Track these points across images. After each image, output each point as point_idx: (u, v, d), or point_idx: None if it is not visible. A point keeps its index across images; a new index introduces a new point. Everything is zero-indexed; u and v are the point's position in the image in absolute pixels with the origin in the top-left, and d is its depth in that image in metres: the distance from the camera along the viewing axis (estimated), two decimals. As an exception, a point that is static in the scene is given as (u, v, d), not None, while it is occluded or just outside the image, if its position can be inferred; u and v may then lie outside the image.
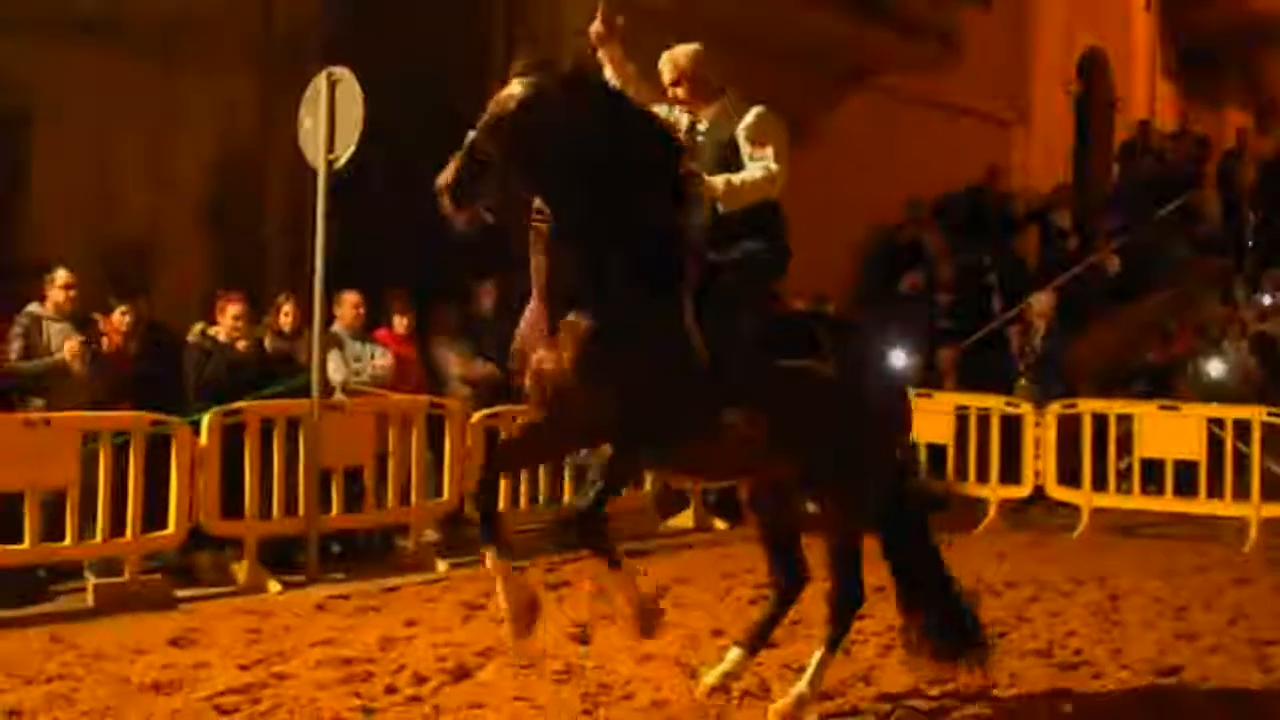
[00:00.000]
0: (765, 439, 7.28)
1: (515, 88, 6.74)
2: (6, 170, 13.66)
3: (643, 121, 7.17)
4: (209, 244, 14.95)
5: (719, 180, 7.35)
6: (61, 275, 11.45)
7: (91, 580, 10.67)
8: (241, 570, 11.28)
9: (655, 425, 6.95)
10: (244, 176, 15.18)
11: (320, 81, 12.01)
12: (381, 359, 12.98)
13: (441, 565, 12.06)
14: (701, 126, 7.62)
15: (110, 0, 13.63)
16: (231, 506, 11.27)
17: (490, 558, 7.08)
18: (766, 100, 7.65)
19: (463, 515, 12.49)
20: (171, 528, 10.92)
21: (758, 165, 7.41)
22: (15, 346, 11.21)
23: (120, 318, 12.00)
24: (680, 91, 7.65)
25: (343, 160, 11.86)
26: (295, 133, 12.18)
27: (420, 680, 8.38)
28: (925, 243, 20.91)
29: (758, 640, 8.19)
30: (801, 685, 7.81)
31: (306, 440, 11.59)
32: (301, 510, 11.61)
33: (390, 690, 8.24)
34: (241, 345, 12.16)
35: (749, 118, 7.51)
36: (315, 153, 11.95)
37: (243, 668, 8.67)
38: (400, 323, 13.54)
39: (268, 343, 12.58)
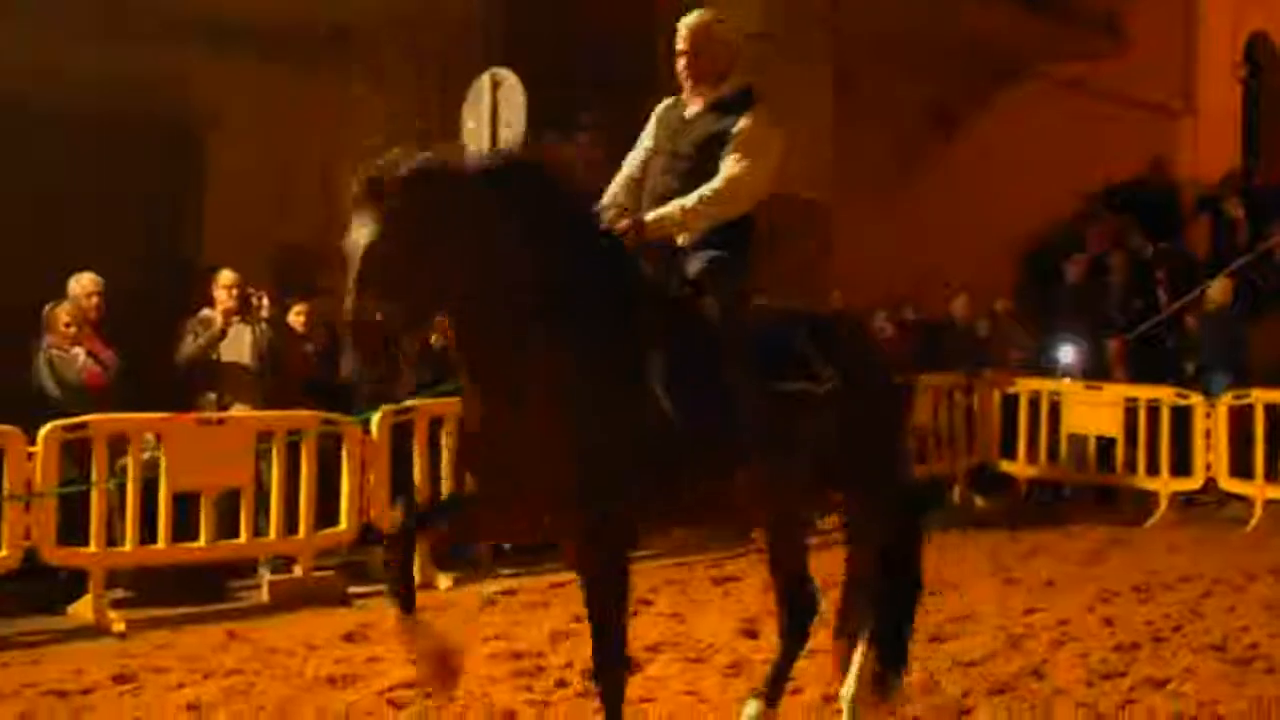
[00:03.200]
0: (770, 480, 6.65)
1: (359, 225, 5.93)
2: (183, 177, 13.95)
3: (527, 186, 6.25)
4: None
5: (672, 209, 6.55)
6: (226, 276, 11.65)
7: (266, 577, 10.86)
8: (418, 564, 11.36)
9: (621, 500, 6.22)
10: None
11: (483, 83, 12.12)
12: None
13: (609, 561, 12.04)
14: (690, 112, 6.85)
15: (281, 12, 13.84)
16: (404, 503, 11.39)
17: (396, 618, 6.56)
18: (766, 98, 6.87)
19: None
20: (344, 525, 11.09)
21: (727, 175, 6.60)
22: (187, 341, 11.43)
23: (296, 318, 12.20)
24: (681, 64, 6.87)
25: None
26: (459, 134, 12.29)
27: (590, 675, 8.42)
28: (1092, 235, 20.63)
29: (775, 688, 7.36)
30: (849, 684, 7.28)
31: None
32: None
33: (561, 684, 8.30)
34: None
35: (742, 121, 6.69)
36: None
37: (414, 663, 8.75)
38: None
39: (435, 341, 12.69)
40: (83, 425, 9.92)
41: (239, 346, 11.60)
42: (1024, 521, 14.48)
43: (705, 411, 6.27)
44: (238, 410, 11.18)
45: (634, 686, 8.12)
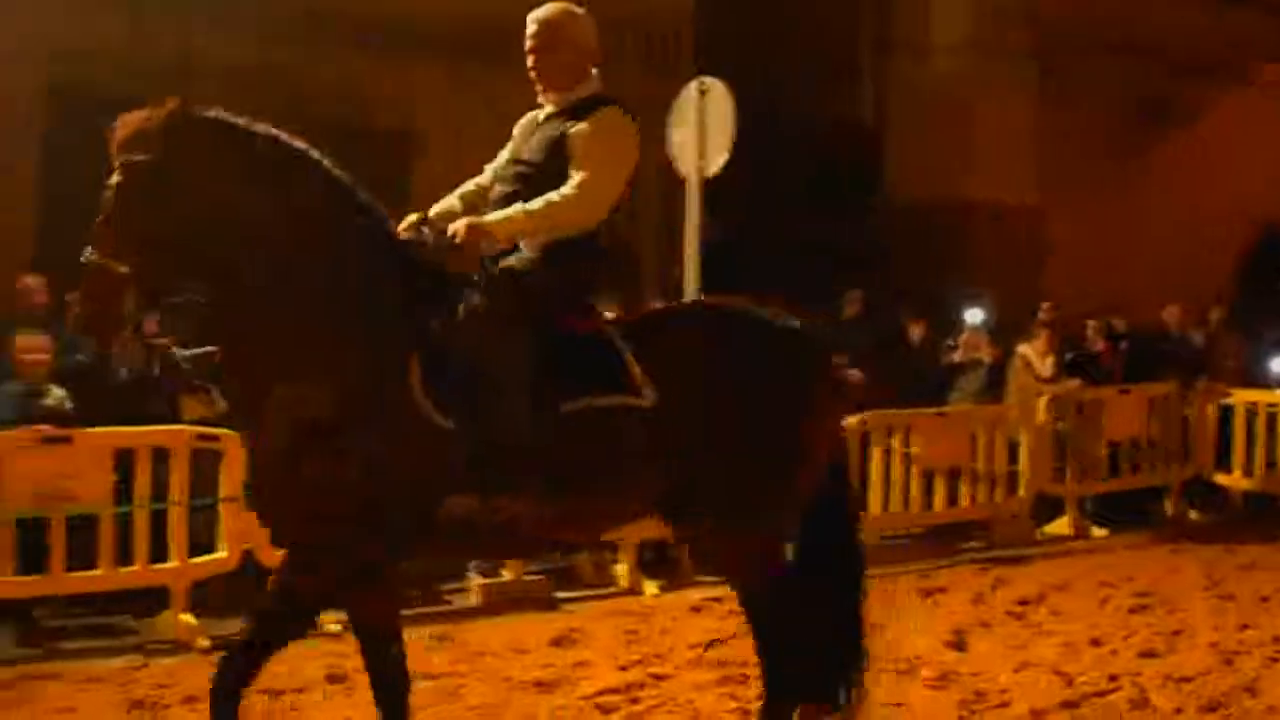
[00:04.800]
0: (562, 504, 6.07)
1: (113, 177, 5.70)
2: (383, 184, 14.17)
3: (291, 163, 5.93)
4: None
5: (513, 212, 6.07)
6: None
7: (477, 580, 10.99)
8: (621, 572, 11.50)
9: (370, 522, 5.81)
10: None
11: (690, 91, 12.16)
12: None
13: (814, 570, 12.02)
14: (542, 115, 6.41)
15: (490, 20, 14.00)
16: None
17: None
18: (619, 100, 6.34)
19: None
20: (553, 530, 11.16)
21: (576, 182, 6.07)
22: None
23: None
24: (531, 61, 6.35)
25: (714, 169, 11.99)
26: (666, 142, 12.35)
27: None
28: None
29: None
30: None
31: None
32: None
33: (767, 693, 8.30)
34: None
35: (583, 124, 6.16)
36: (686, 162, 12.09)
37: (622, 668, 8.83)
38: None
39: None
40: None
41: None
42: (1239, 535, 14.15)
43: (473, 430, 5.81)
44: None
45: (839, 697, 8.14)
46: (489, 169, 6.58)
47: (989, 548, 13.26)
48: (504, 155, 6.54)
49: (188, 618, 9.67)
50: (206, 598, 10.01)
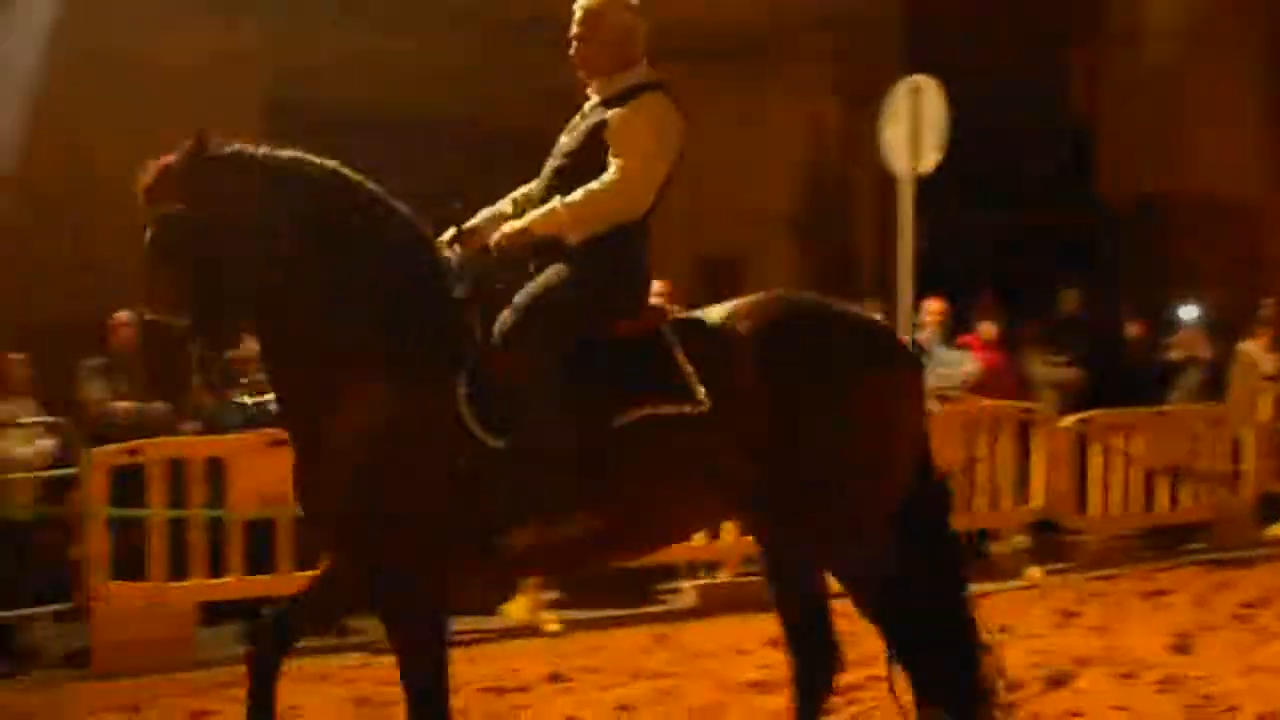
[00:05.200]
0: (620, 522, 5.86)
1: (147, 231, 5.64)
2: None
3: (319, 186, 5.79)
4: (797, 254, 15.25)
5: (551, 208, 5.87)
6: (655, 285, 11.81)
7: (693, 582, 11.03)
8: (837, 574, 11.43)
9: (418, 550, 5.71)
10: (829, 187, 15.43)
11: (902, 89, 12.10)
12: (969, 365, 12.96)
13: (1033, 571, 11.95)
14: (587, 106, 6.18)
15: (694, 21, 14.07)
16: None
17: None
18: (663, 84, 6.09)
19: (1053, 521, 12.38)
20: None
21: (613, 171, 5.86)
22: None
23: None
24: (575, 49, 6.15)
25: (926, 168, 11.92)
26: (878, 142, 12.31)
27: (1016, 686, 8.31)
28: None
29: None
30: None
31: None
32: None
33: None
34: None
35: (622, 110, 5.94)
36: (899, 162, 12.04)
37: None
38: (988, 329, 13.48)
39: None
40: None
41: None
42: None
43: (528, 449, 5.62)
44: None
45: (1062, 700, 8.05)
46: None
47: (1211, 549, 12.98)
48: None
49: (411, 617, 9.78)
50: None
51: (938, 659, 6.32)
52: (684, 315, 6.22)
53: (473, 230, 6.12)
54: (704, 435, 5.82)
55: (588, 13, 6.10)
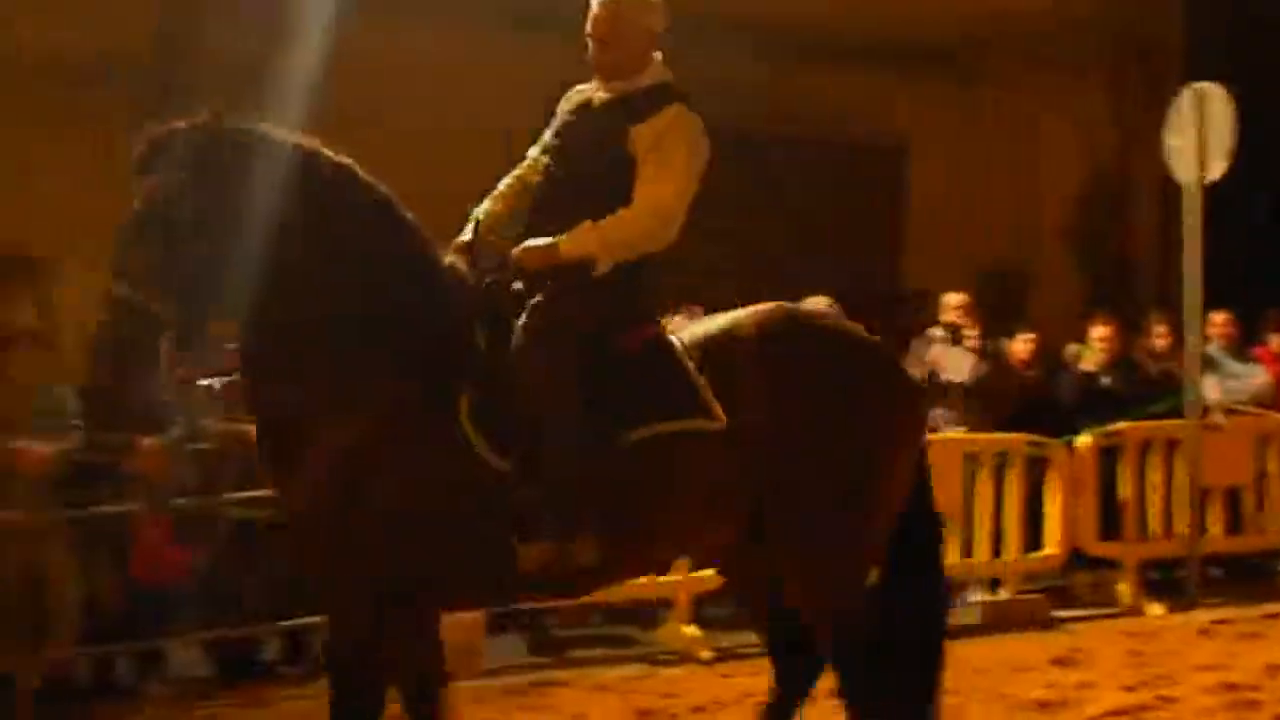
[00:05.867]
0: (633, 544, 5.63)
1: (138, 199, 5.17)
2: (883, 199, 14.26)
3: (333, 181, 5.40)
4: (1077, 265, 15.02)
5: (584, 235, 5.45)
6: (955, 298, 11.77)
7: (976, 598, 10.93)
8: (1123, 592, 11.27)
9: (414, 570, 5.33)
10: (1108, 197, 15.17)
11: (1187, 97, 11.85)
12: (1260, 377, 12.61)
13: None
14: (598, 99, 5.73)
15: (979, 34, 13.97)
16: (1110, 528, 11.28)
17: None
18: (684, 94, 5.70)
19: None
20: (1051, 548, 11.06)
21: (642, 204, 5.49)
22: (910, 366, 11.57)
23: (1023, 345, 12.17)
24: (598, 53, 5.67)
25: (1214, 176, 11.65)
26: (1161, 151, 12.06)
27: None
28: None
29: None
30: None
31: (1184, 461, 11.44)
32: (1181, 531, 11.47)
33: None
34: (1103, 367, 12.13)
35: (650, 125, 5.53)
36: (1184, 171, 11.78)
37: (1127, 689, 8.64)
38: (1278, 341, 13.10)
39: (1144, 364, 12.50)
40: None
41: (957, 370, 11.69)
42: None
43: (537, 469, 5.30)
44: (947, 432, 11.31)
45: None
46: (525, 161, 5.93)
47: None
48: (544, 139, 5.89)
49: (691, 629, 9.88)
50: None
51: (888, 709, 6.02)
52: (686, 325, 6.07)
53: (482, 240, 5.76)
54: (717, 453, 5.58)
55: (609, 13, 5.65)
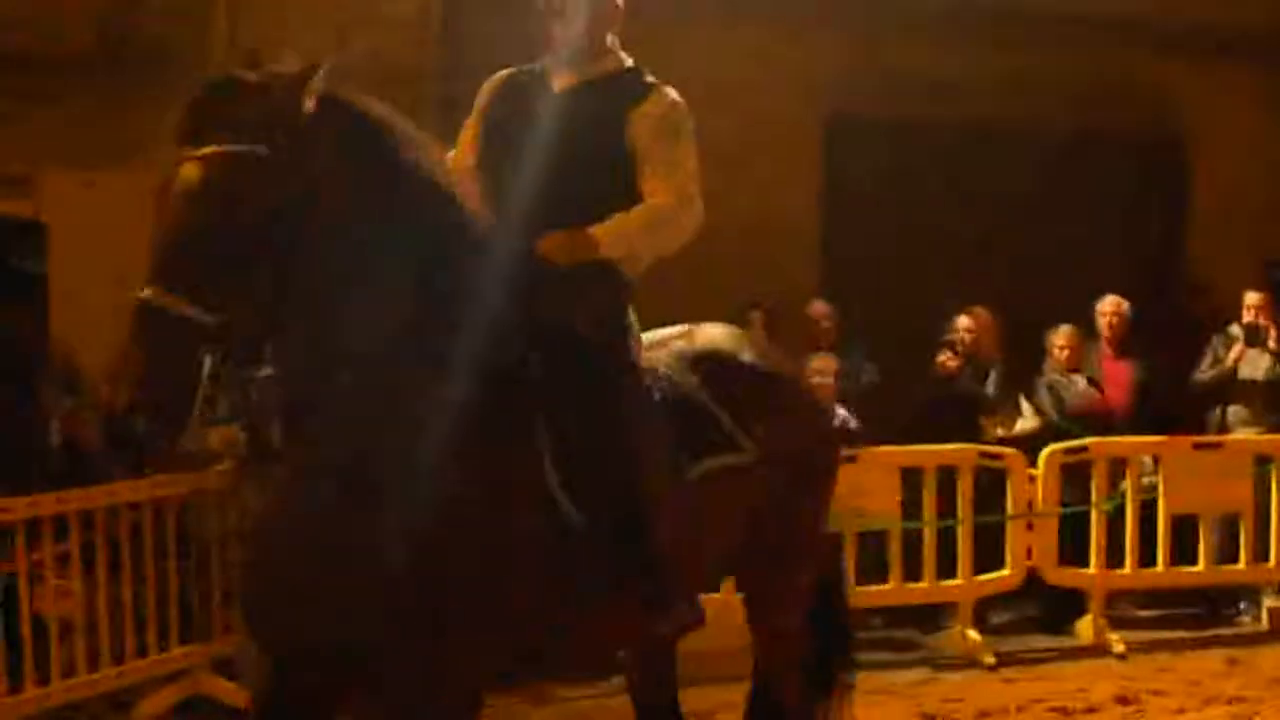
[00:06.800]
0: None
1: (187, 171, 3.98)
2: (1167, 191, 13.96)
3: (430, 181, 4.53)
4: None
5: (621, 226, 4.86)
6: (1253, 296, 11.43)
7: (1267, 603, 10.65)
8: None
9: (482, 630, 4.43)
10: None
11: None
12: None
13: None
14: (560, 85, 5.05)
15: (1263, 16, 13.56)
16: None
17: None
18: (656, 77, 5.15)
19: None
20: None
21: (668, 197, 4.94)
22: (1206, 363, 11.34)
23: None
24: (559, 28, 5.00)
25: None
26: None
27: None
28: None
29: None
30: None
31: None
32: None
33: None
34: None
35: (649, 110, 4.97)
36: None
37: None
38: None
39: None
40: (1082, 449, 10.15)
41: (1254, 369, 11.35)
42: None
43: (606, 509, 4.65)
44: (1238, 433, 11.04)
45: None
46: (463, 142, 5.21)
47: None
48: (480, 122, 5.19)
49: (974, 634, 9.83)
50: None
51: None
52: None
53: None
54: (746, 484, 5.32)
55: None
